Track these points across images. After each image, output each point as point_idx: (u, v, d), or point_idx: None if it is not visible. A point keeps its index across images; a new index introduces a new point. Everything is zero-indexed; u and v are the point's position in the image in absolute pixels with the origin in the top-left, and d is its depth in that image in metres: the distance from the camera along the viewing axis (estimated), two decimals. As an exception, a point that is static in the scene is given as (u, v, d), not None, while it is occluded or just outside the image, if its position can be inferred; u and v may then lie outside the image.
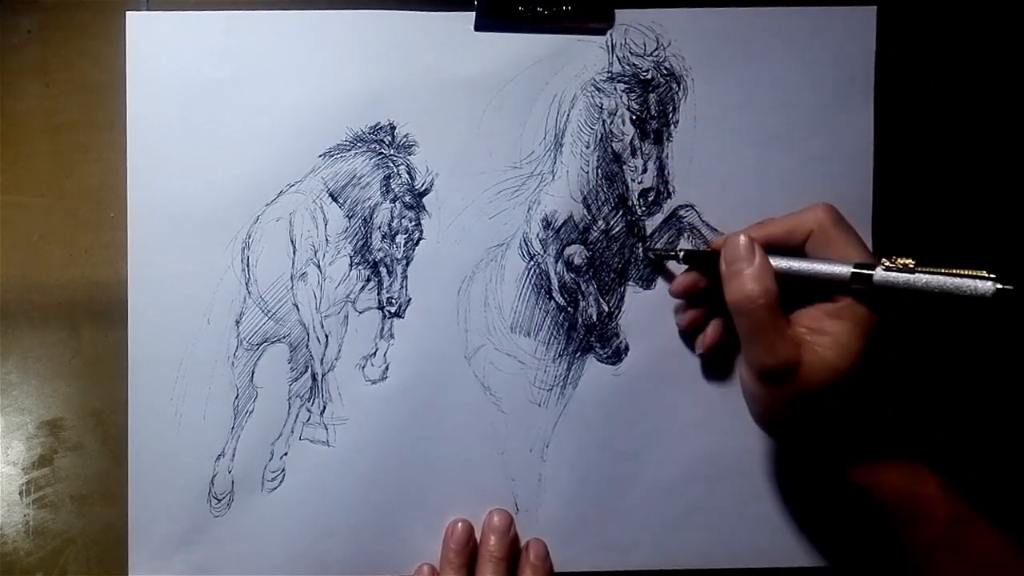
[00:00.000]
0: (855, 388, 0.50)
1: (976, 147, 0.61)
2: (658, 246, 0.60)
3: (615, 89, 0.59)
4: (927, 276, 0.47)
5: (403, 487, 0.59)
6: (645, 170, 0.60)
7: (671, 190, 0.60)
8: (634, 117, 0.59)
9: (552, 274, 0.59)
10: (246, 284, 0.58)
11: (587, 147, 0.59)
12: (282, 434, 0.59)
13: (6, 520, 0.59)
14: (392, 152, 0.59)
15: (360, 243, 0.59)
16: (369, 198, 0.59)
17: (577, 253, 0.59)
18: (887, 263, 0.48)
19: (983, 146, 0.61)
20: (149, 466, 0.58)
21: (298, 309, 0.59)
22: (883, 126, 0.59)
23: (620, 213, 0.60)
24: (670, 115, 0.59)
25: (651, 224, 0.60)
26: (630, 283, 0.60)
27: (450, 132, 0.59)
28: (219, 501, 0.58)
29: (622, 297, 0.60)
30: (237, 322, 0.58)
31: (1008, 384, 0.61)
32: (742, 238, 0.52)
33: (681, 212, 0.60)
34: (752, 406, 0.54)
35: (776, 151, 0.59)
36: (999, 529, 0.51)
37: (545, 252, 0.59)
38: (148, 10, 0.58)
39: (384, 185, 0.59)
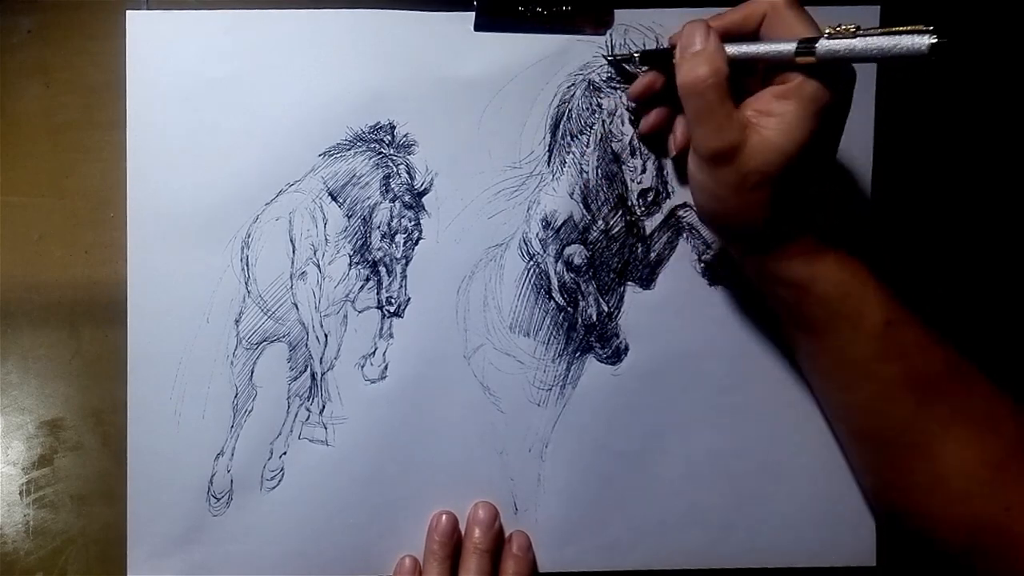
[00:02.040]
0: (800, 172, 0.49)
1: (977, 146, 0.61)
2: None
3: (615, 89, 0.59)
4: (868, 38, 0.46)
5: (402, 486, 0.59)
6: (644, 170, 0.60)
7: (670, 190, 0.60)
8: (633, 117, 0.59)
9: (552, 274, 0.59)
10: (245, 283, 0.58)
11: (587, 147, 0.59)
12: (281, 433, 0.59)
13: (6, 520, 0.59)
14: (392, 151, 0.59)
15: (359, 242, 0.59)
16: (369, 197, 0.59)
17: (577, 253, 0.59)
18: (830, 30, 0.47)
19: (984, 145, 0.61)
20: (148, 466, 0.58)
21: (297, 308, 0.59)
22: (883, 125, 0.59)
23: (620, 213, 0.60)
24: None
25: (651, 224, 0.60)
26: (630, 283, 0.60)
27: (450, 132, 0.59)
28: (218, 500, 0.58)
29: (622, 297, 0.60)
30: (236, 321, 0.58)
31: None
32: (696, 23, 0.51)
33: (680, 212, 0.60)
34: (696, 195, 0.53)
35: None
36: (935, 332, 0.51)
37: (545, 252, 0.59)
38: (148, 9, 0.58)
39: (384, 184, 0.59)
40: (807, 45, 0.47)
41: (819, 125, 0.48)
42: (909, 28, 0.45)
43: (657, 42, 0.59)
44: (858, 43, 0.46)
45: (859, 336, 0.51)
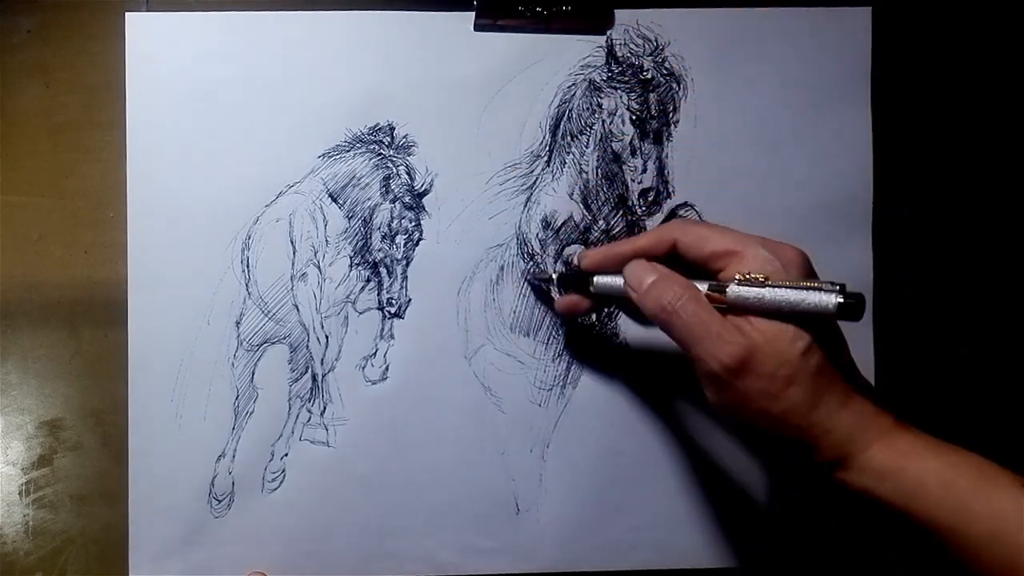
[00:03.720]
0: (826, 338, 0.46)
1: (973, 144, 0.61)
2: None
3: (615, 89, 0.59)
4: (776, 290, 0.44)
5: (403, 488, 0.59)
6: (645, 170, 0.60)
7: (671, 190, 0.60)
8: (634, 117, 0.59)
9: (552, 274, 0.59)
10: (246, 285, 0.58)
11: (587, 147, 0.59)
12: (282, 435, 0.59)
13: (6, 520, 0.59)
14: (391, 153, 0.59)
15: (360, 244, 0.59)
16: (369, 199, 0.59)
17: (577, 253, 0.59)
18: (740, 277, 0.46)
19: (980, 143, 0.61)
20: (149, 466, 0.58)
21: (298, 310, 0.59)
22: (881, 124, 0.59)
23: (620, 213, 0.60)
24: (670, 115, 0.59)
25: (651, 224, 0.60)
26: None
27: (449, 132, 0.59)
28: (219, 502, 0.58)
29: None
30: (237, 323, 0.58)
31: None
32: (637, 262, 0.50)
33: (681, 212, 0.60)
34: (736, 419, 0.48)
35: (775, 150, 0.59)
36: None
37: (544, 252, 0.59)
38: (148, 10, 0.58)
39: (384, 186, 0.59)
40: (718, 289, 0.46)
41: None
42: (817, 285, 0.44)
43: (658, 42, 0.59)
44: (767, 293, 0.45)
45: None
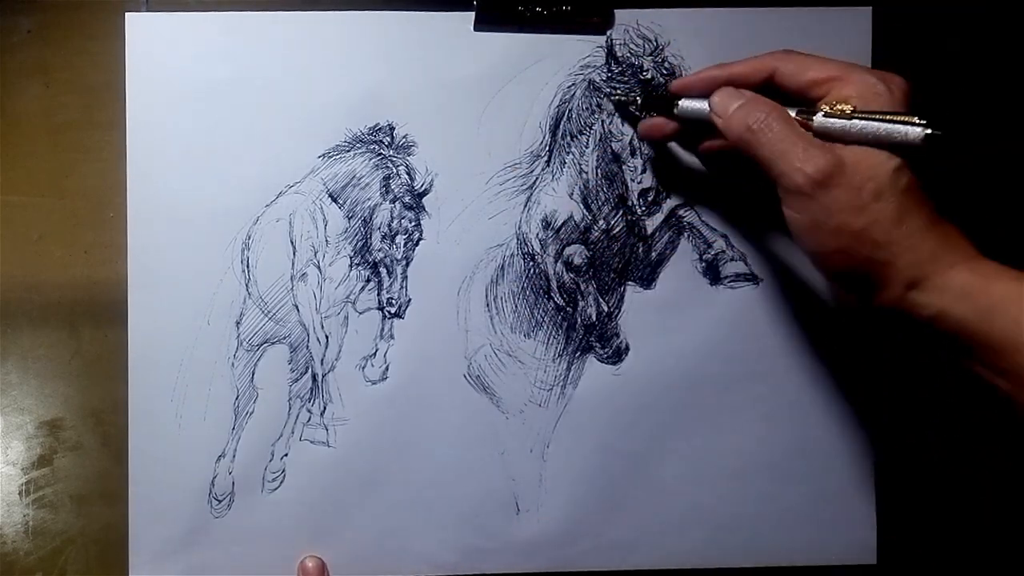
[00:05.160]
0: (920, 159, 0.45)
1: (973, 144, 0.61)
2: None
3: (615, 89, 0.59)
4: (863, 122, 0.45)
5: (403, 488, 0.59)
6: (645, 170, 0.60)
7: (671, 190, 0.60)
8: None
9: (551, 274, 0.59)
10: (246, 285, 0.58)
11: (587, 147, 0.59)
12: (282, 435, 0.59)
13: (6, 520, 0.59)
14: (391, 153, 0.59)
15: (360, 244, 0.59)
16: (369, 199, 0.59)
17: (577, 253, 0.59)
18: (827, 108, 0.46)
19: (979, 141, 0.61)
20: (149, 466, 0.58)
21: (298, 310, 0.59)
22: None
23: (620, 213, 0.60)
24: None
25: (651, 224, 0.60)
26: (630, 283, 0.60)
27: (449, 132, 0.59)
28: (219, 502, 0.58)
29: (622, 297, 0.60)
30: (237, 323, 0.58)
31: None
32: (725, 89, 0.50)
33: (681, 211, 0.60)
34: (810, 240, 0.47)
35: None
36: None
37: (544, 252, 0.59)
38: (148, 11, 0.58)
39: (384, 186, 0.59)
40: (806, 114, 0.47)
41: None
42: (906, 116, 0.44)
43: (657, 42, 0.59)
44: (854, 124, 0.45)
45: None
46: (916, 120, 0.44)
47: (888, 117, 0.45)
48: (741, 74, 0.51)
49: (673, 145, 0.59)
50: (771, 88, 0.50)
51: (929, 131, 0.44)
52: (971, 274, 0.44)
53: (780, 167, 0.46)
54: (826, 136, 0.46)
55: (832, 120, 0.46)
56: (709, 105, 0.50)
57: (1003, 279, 0.44)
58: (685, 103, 0.53)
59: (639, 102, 0.57)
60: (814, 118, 0.46)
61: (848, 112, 0.46)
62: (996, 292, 0.43)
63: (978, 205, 0.60)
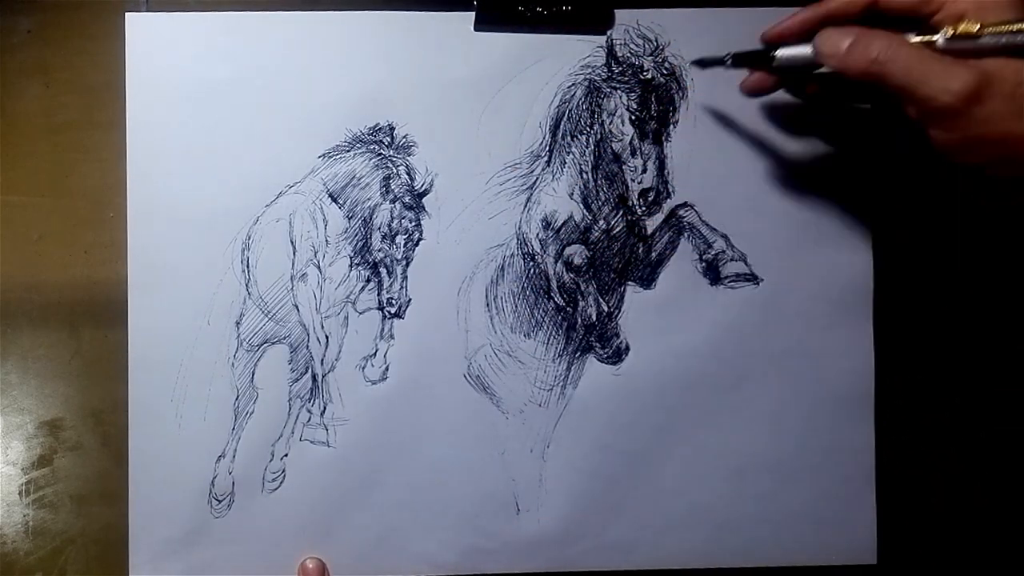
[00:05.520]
0: None
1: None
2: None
3: (615, 89, 0.59)
4: (991, 38, 0.44)
5: (403, 488, 0.59)
6: (645, 170, 0.60)
7: (671, 190, 0.60)
8: (634, 117, 0.59)
9: (551, 274, 0.59)
10: (246, 285, 0.58)
11: (587, 147, 0.59)
12: (282, 435, 0.59)
13: (6, 520, 0.59)
14: (391, 153, 0.59)
15: (360, 244, 0.59)
16: (369, 199, 0.59)
17: (577, 253, 0.59)
18: (950, 32, 0.45)
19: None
20: (149, 466, 0.58)
21: (298, 310, 0.59)
22: (881, 123, 0.59)
23: (620, 213, 0.60)
24: (670, 115, 0.59)
25: (652, 224, 0.60)
26: (630, 283, 0.60)
27: (449, 132, 0.59)
28: (220, 502, 0.58)
29: (622, 297, 0.60)
30: (237, 323, 0.58)
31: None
32: (829, 29, 0.48)
33: (681, 212, 0.60)
34: (976, 154, 0.46)
35: (775, 150, 0.59)
36: None
37: (544, 252, 0.59)
38: (148, 11, 0.58)
39: (384, 186, 0.59)
40: (927, 40, 0.46)
41: None
42: None
43: (658, 43, 0.59)
44: (982, 41, 0.44)
45: None
46: None
47: (1017, 28, 0.44)
48: (838, 9, 0.49)
49: (673, 145, 0.59)
50: (868, 20, 0.48)
51: None
52: None
53: (923, 91, 0.45)
54: (954, 55, 0.45)
55: (956, 41, 0.45)
56: (815, 48, 0.49)
57: None
58: (784, 52, 0.51)
59: (729, 62, 0.54)
60: (936, 41, 0.45)
61: (975, 32, 0.44)
62: None
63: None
